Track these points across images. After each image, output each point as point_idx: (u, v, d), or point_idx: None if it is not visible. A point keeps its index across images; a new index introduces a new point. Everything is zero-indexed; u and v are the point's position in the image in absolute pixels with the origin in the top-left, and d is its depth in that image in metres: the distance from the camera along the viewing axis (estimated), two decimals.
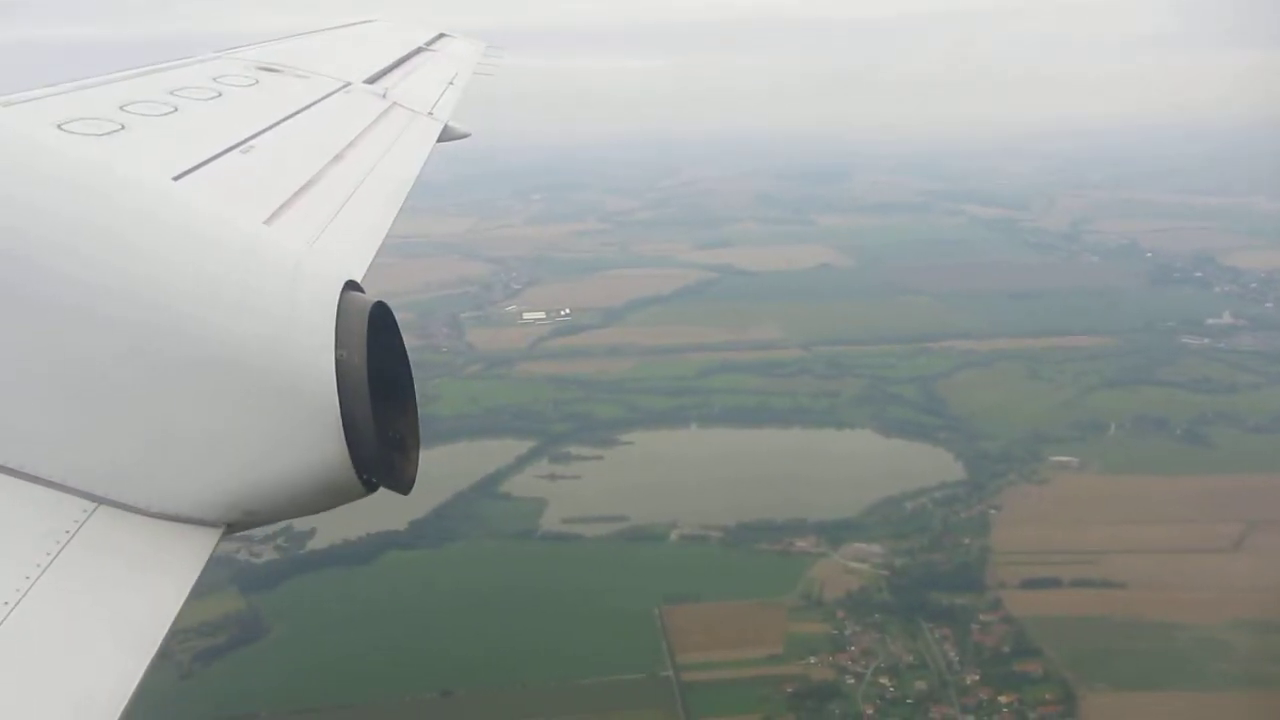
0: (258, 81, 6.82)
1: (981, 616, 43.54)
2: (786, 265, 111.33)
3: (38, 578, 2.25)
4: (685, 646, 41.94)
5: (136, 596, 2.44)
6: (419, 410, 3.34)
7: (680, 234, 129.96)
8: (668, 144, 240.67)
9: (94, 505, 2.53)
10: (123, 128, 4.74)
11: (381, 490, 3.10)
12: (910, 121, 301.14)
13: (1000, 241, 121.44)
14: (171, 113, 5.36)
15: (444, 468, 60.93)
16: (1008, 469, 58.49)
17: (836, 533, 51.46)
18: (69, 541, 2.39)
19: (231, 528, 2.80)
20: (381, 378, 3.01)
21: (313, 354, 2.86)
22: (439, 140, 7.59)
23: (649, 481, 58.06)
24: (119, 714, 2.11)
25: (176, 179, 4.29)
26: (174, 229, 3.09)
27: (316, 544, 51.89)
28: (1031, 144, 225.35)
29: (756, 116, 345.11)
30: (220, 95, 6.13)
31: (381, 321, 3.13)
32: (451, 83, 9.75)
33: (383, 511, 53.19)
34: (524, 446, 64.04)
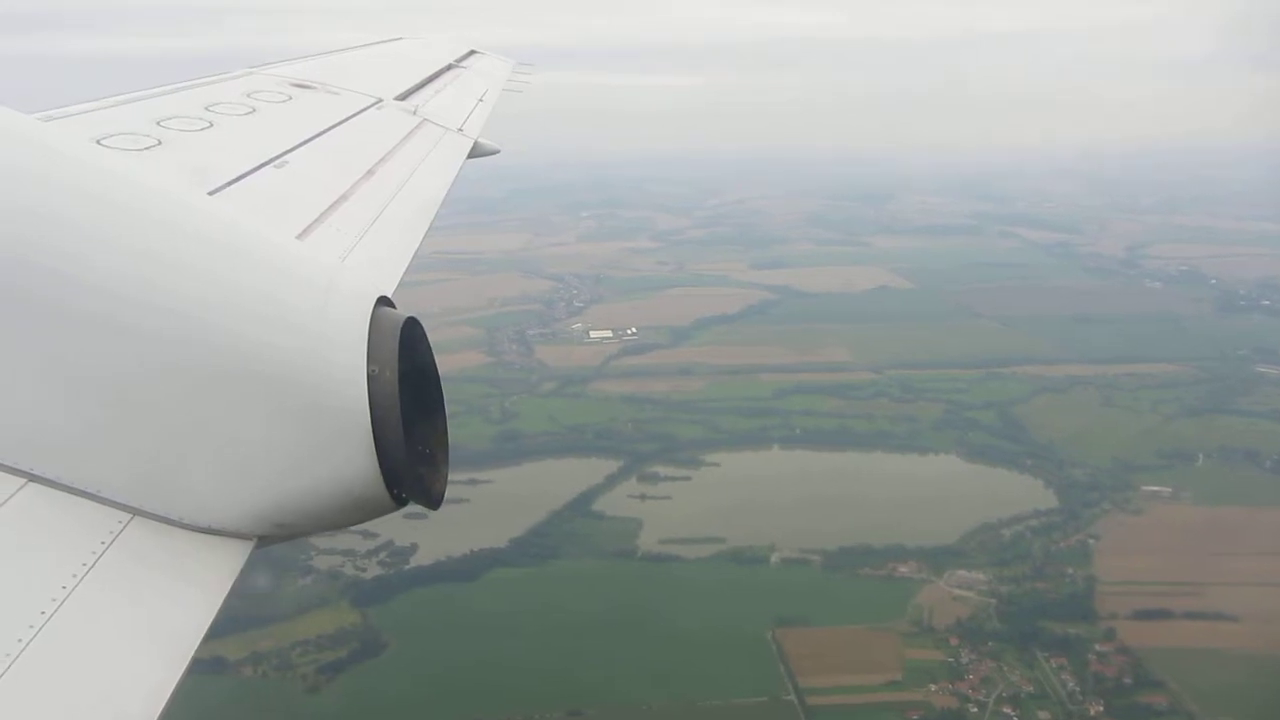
0: (291, 98, 6.91)
1: (1097, 647, 43.64)
2: (845, 287, 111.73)
3: (74, 587, 2.29)
4: (803, 670, 42.27)
5: (170, 607, 2.48)
6: (449, 427, 3.37)
7: (735, 254, 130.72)
8: (708, 162, 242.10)
9: (129, 516, 2.57)
10: (159, 143, 4.81)
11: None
12: (950, 142, 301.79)
13: (1058, 266, 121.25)
14: (207, 128, 5.44)
15: (535, 486, 61.96)
16: (1100, 498, 58.48)
17: (937, 559, 51.67)
18: (105, 552, 2.43)
19: (263, 540, 2.83)
20: (412, 393, 3.04)
21: (345, 369, 2.89)
22: (469, 156, 7.68)
23: (739, 503, 58.47)
24: None
25: (212, 194, 4.36)
26: (209, 244, 3.12)
27: (420, 560, 52.73)
28: (1072, 165, 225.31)
29: (795, 135, 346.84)
30: (255, 111, 6.21)
31: (413, 337, 3.16)
32: (481, 99, 9.82)
33: (482, 529, 54.32)
34: (611, 466, 64.66)
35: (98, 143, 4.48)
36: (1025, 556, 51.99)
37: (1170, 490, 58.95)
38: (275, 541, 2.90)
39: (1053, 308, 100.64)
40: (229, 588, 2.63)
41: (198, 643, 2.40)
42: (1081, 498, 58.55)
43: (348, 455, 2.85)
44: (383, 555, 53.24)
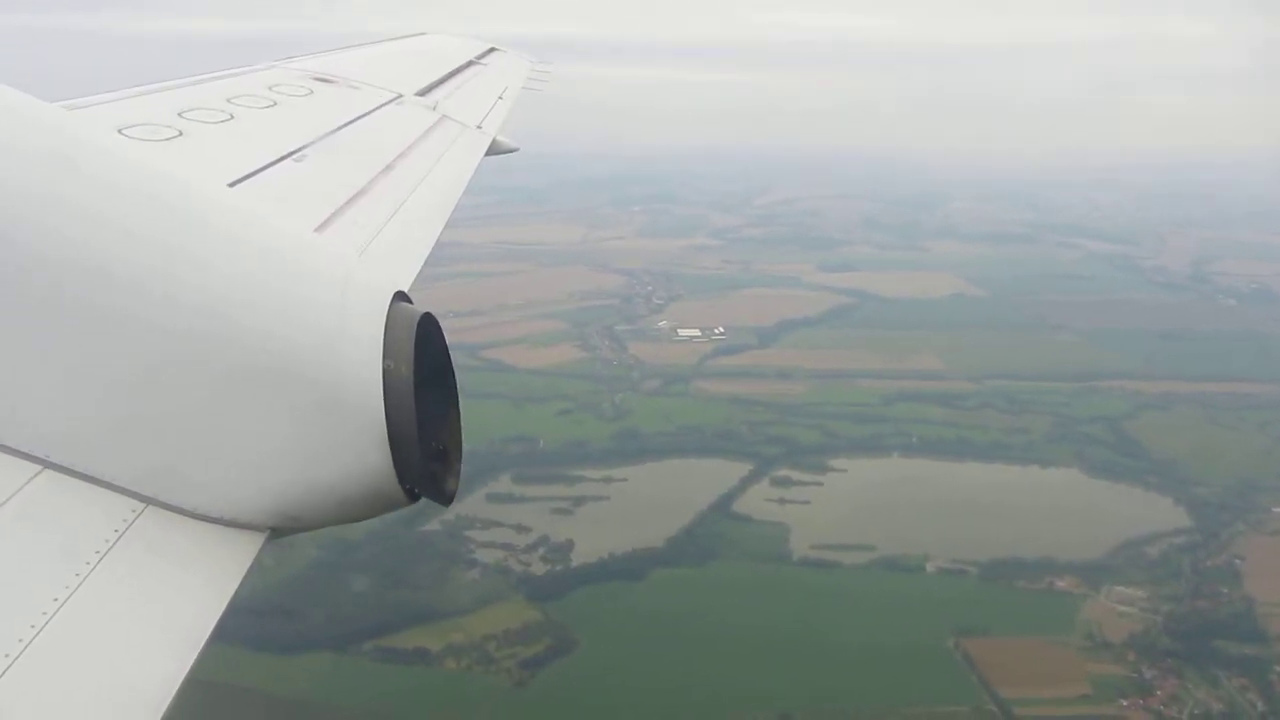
0: (312, 92, 6.95)
1: (1277, 668, 44.73)
2: (921, 293, 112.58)
3: (87, 575, 2.31)
4: (996, 681, 43.27)
5: (182, 597, 2.49)
6: (461, 424, 3.42)
7: (799, 255, 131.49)
8: (740, 158, 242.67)
9: (143, 505, 2.59)
10: (181, 134, 4.86)
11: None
12: (983, 148, 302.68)
13: (1127, 279, 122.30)
14: (228, 120, 5.49)
15: (669, 485, 62.74)
16: (1234, 518, 59.50)
17: (1090, 574, 52.62)
18: (118, 540, 2.45)
19: (275, 532, 2.84)
20: (427, 389, 3.06)
21: (361, 364, 2.91)
22: (487, 154, 7.71)
23: (877, 510, 59.45)
24: (162, 713, 2.16)
25: (232, 185, 4.39)
26: (228, 236, 3.14)
27: (580, 557, 53.48)
28: (1110, 175, 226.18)
29: (827, 135, 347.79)
30: (276, 104, 6.27)
31: (429, 333, 3.18)
32: (501, 97, 9.88)
33: (632, 528, 55.24)
34: (738, 468, 65.37)
35: (120, 132, 4.52)
36: (1177, 574, 53.02)
37: None
38: (287, 534, 2.92)
39: (1133, 322, 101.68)
40: (241, 579, 2.64)
41: (209, 632, 2.41)
42: (1215, 517, 59.52)
43: (362, 450, 2.89)
44: (542, 551, 54.06)
